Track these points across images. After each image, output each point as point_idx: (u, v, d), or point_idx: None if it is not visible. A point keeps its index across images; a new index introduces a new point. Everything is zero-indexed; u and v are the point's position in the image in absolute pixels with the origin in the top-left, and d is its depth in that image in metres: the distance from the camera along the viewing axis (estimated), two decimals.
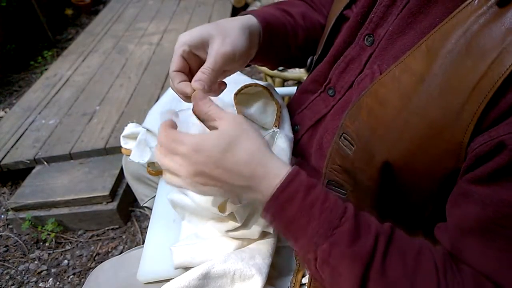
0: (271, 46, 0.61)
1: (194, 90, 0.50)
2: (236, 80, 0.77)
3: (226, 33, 0.52)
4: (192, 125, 0.48)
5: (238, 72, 0.86)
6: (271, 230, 0.56)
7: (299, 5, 0.70)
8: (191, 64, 0.54)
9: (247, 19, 0.57)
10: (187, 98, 0.52)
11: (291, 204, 0.41)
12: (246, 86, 0.66)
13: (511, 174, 0.33)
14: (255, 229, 0.55)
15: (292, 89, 0.95)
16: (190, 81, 0.52)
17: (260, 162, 0.43)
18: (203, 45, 0.52)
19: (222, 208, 0.53)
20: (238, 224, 0.55)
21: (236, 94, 0.65)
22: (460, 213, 0.38)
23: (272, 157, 0.44)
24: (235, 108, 0.63)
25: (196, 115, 0.48)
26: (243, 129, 0.44)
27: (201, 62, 0.54)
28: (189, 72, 0.54)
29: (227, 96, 0.62)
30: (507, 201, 0.33)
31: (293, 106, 0.67)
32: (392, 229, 0.41)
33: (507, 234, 0.34)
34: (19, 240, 1.55)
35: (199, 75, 0.50)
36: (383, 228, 0.41)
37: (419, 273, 0.38)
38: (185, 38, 0.52)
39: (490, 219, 0.35)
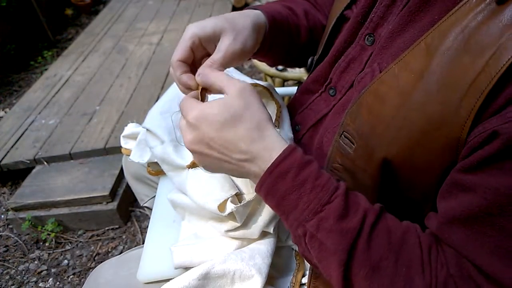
0: (273, 44, 0.62)
1: (198, 84, 0.50)
2: None
3: (239, 31, 0.53)
4: None
5: (238, 72, 0.86)
6: (271, 230, 0.56)
7: (303, 3, 0.70)
8: (196, 55, 0.54)
9: (258, 17, 0.57)
10: (187, 90, 0.52)
11: (284, 179, 0.42)
12: None
13: (500, 162, 0.33)
14: (255, 229, 0.55)
15: (292, 89, 0.95)
16: (191, 70, 0.52)
17: (259, 136, 0.43)
18: (215, 39, 0.52)
19: (222, 208, 0.53)
20: (238, 224, 0.55)
21: None
22: (449, 201, 0.38)
23: (272, 133, 0.44)
24: None
25: (200, 84, 0.49)
26: (247, 103, 0.44)
27: (206, 53, 0.54)
28: (191, 63, 0.54)
29: None
30: (495, 188, 0.33)
31: (294, 106, 0.67)
32: (381, 209, 0.42)
33: (493, 221, 0.34)
34: (19, 240, 1.55)
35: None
36: (372, 207, 0.42)
37: (403, 250, 0.39)
38: (197, 30, 0.52)
39: (478, 207, 0.35)
